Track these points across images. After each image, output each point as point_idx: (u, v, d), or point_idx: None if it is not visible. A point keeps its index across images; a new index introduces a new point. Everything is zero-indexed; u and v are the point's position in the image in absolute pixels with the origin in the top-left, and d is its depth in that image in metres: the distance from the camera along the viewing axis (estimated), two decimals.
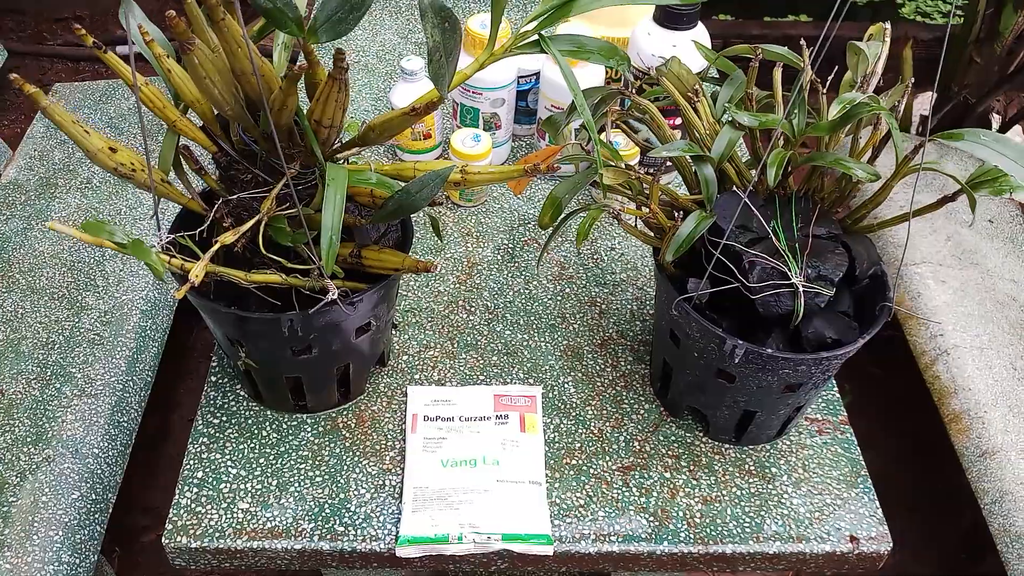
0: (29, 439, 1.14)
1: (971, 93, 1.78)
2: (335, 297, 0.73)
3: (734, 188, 0.81)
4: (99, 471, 1.15)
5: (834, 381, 0.94)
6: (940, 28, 2.57)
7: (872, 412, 1.80)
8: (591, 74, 1.09)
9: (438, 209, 1.12)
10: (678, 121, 1.06)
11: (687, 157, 0.78)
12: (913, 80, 0.78)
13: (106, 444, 1.17)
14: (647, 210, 0.78)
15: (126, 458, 1.22)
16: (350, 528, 0.79)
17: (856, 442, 0.89)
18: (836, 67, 0.82)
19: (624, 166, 0.79)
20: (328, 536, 0.79)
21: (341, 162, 0.80)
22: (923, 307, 1.40)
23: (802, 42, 0.76)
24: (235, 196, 0.75)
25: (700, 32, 1.03)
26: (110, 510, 1.17)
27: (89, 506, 1.12)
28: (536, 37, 0.72)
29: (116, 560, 1.51)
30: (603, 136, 0.82)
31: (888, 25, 0.79)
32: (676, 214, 0.77)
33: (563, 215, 0.81)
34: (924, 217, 1.54)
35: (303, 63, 0.62)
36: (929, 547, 1.59)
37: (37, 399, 1.19)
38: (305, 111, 0.70)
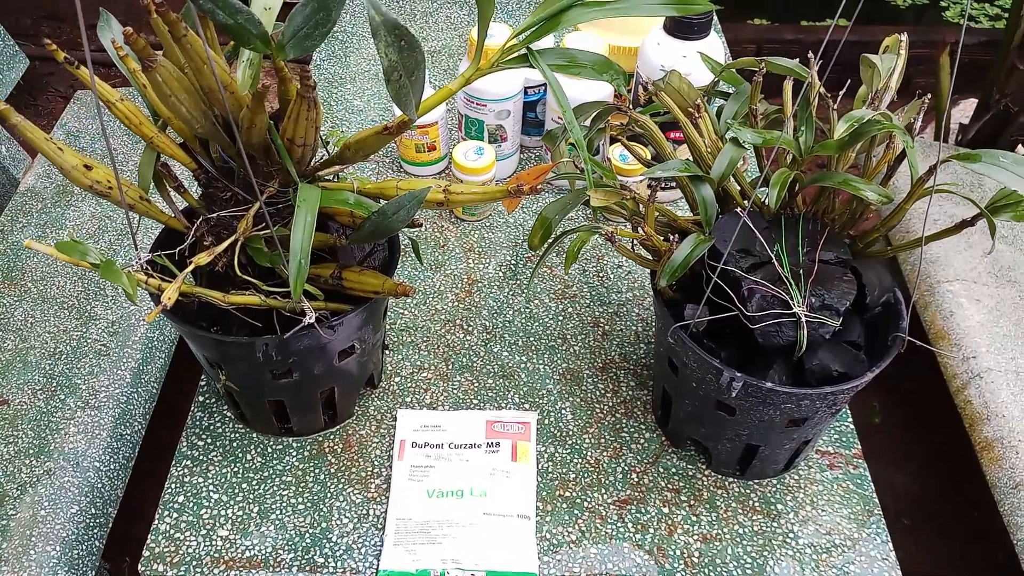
0: (31, 451, 1.14)
1: (1012, 101, 1.69)
2: (311, 321, 0.70)
3: (737, 209, 0.76)
4: (99, 485, 1.14)
5: (848, 410, 0.89)
6: (985, 32, 2.47)
7: (905, 431, 1.73)
8: (596, 86, 1.05)
9: (441, 223, 1.09)
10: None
11: (686, 177, 0.74)
12: (928, 97, 0.73)
13: (108, 457, 1.16)
14: (642, 232, 0.74)
15: (128, 471, 1.21)
16: (330, 560, 0.77)
17: (870, 477, 0.84)
18: (849, 80, 0.77)
19: (620, 185, 0.75)
20: (307, 567, 0.76)
21: (331, 179, 0.77)
22: (955, 327, 1.33)
23: (810, 54, 0.72)
24: (215, 215, 0.73)
25: (712, 42, 0.99)
26: (110, 525, 1.16)
27: (88, 520, 1.11)
28: (524, 51, 0.69)
29: (127, 569, 1.51)
30: (600, 153, 0.79)
31: (904, 36, 0.74)
32: (672, 237, 0.73)
33: (554, 236, 0.77)
34: (959, 233, 1.47)
35: (265, 82, 0.59)
36: None
37: (41, 410, 1.18)
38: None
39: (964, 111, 2.15)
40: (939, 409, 1.63)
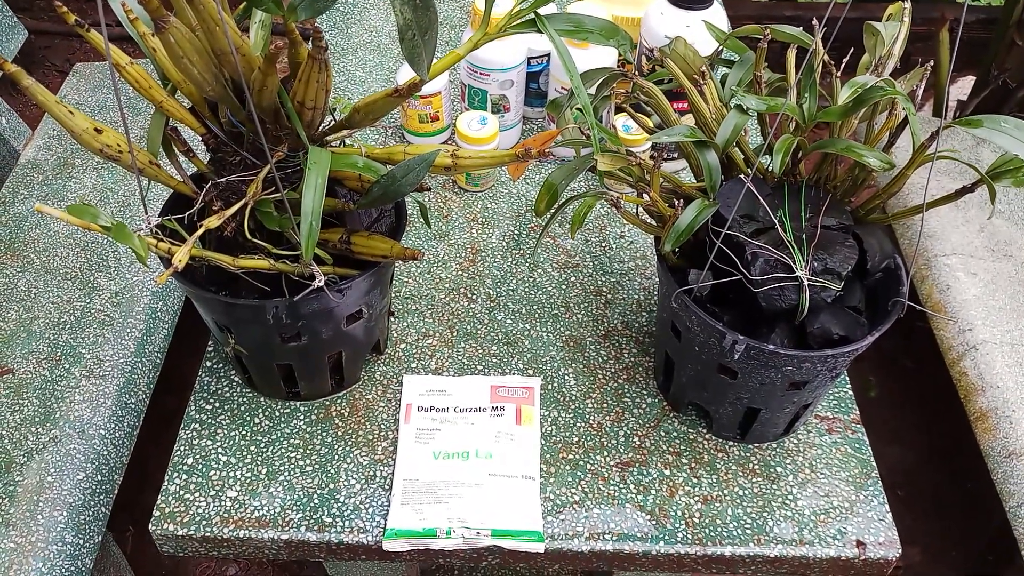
0: (37, 419, 1.15)
1: (1011, 77, 1.70)
2: (321, 284, 0.71)
3: (741, 176, 0.77)
4: (105, 452, 1.15)
5: (847, 377, 0.90)
6: (984, 9, 2.47)
7: (902, 406, 1.75)
8: (601, 55, 1.05)
9: (445, 193, 1.10)
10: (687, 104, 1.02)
11: (691, 143, 0.75)
12: (930, 65, 0.74)
13: (113, 425, 1.17)
14: (647, 198, 0.74)
15: (133, 439, 1.22)
16: (338, 519, 0.78)
17: (868, 442, 0.86)
18: (852, 49, 0.78)
19: (625, 151, 0.76)
20: (315, 527, 0.77)
21: (337, 144, 0.78)
22: (952, 300, 1.34)
23: (814, 21, 0.72)
24: (224, 179, 0.74)
25: (716, 12, 0.99)
26: (116, 491, 1.17)
27: (94, 487, 1.12)
28: (532, 16, 0.69)
29: (130, 538, 1.53)
30: (605, 121, 0.79)
31: (907, 4, 0.74)
32: (677, 202, 0.74)
33: (560, 202, 0.78)
34: (956, 206, 1.48)
35: (279, 42, 0.59)
36: (956, 548, 1.55)
37: (46, 379, 1.19)
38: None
39: (962, 88, 2.16)
40: (934, 383, 1.66)
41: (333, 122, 0.75)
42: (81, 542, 1.08)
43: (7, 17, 1.59)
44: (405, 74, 1.11)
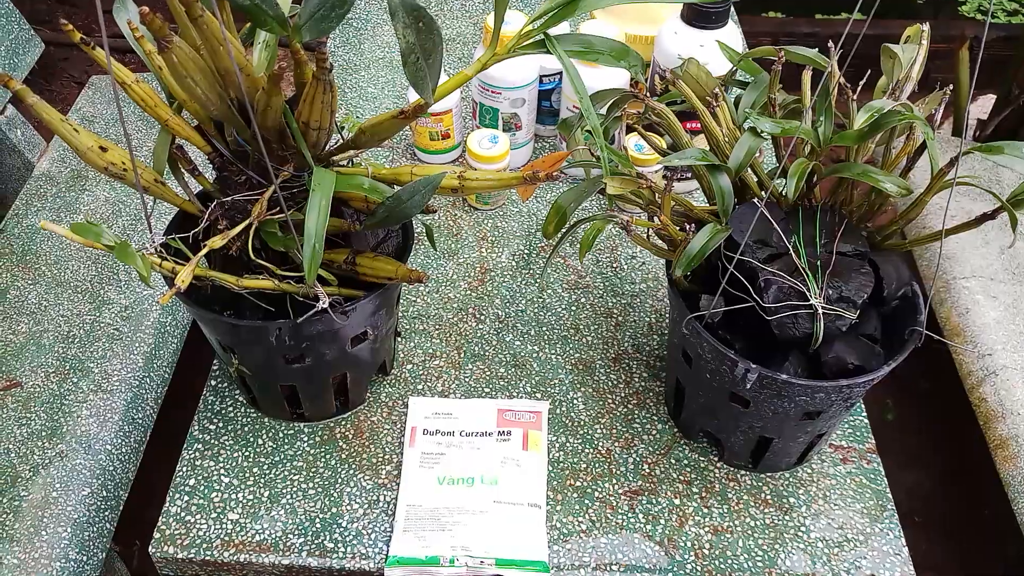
0: (44, 433, 1.14)
1: None
2: (325, 306, 0.70)
3: (754, 200, 0.75)
4: (111, 468, 1.15)
5: (862, 404, 0.88)
6: (1004, 27, 2.44)
7: (919, 430, 1.72)
8: (613, 75, 1.04)
9: (455, 212, 1.09)
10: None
11: (703, 166, 0.73)
12: (950, 88, 0.72)
13: (119, 441, 1.17)
14: (658, 221, 0.73)
15: (140, 455, 1.21)
16: (340, 545, 0.77)
17: (883, 472, 0.83)
18: (869, 71, 0.77)
19: (636, 174, 0.75)
20: (317, 552, 0.76)
21: (345, 163, 0.77)
22: (971, 324, 1.32)
23: (829, 44, 0.71)
24: (229, 198, 0.73)
25: (731, 31, 0.98)
26: (121, 507, 1.16)
27: (99, 503, 1.11)
28: (542, 36, 0.68)
29: (136, 553, 1.52)
30: (616, 142, 0.78)
31: (926, 26, 0.73)
32: (688, 226, 0.72)
33: (568, 225, 0.77)
34: (977, 228, 1.46)
35: (282, 64, 0.58)
36: (971, 575, 1.51)
37: (54, 393, 1.18)
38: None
39: (983, 107, 2.13)
40: (953, 407, 1.62)
41: (340, 141, 0.74)
42: (85, 559, 1.07)
43: (24, 30, 1.60)
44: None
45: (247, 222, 0.69)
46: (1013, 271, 1.38)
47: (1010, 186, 1.50)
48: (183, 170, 0.76)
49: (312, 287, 0.69)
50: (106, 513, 1.13)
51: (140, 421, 1.21)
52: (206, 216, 0.74)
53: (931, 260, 1.47)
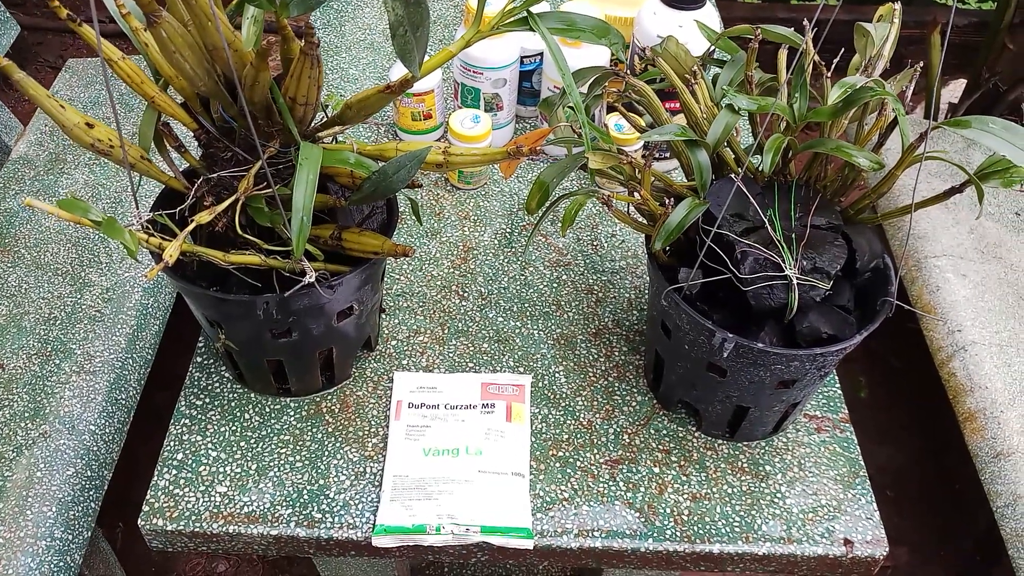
0: (27, 414, 1.14)
1: (1002, 80, 1.71)
2: (312, 280, 0.71)
3: (731, 175, 0.77)
4: (95, 448, 1.15)
5: (836, 376, 0.91)
6: (976, 13, 2.48)
7: (891, 406, 1.76)
8: (594, 54, 1.05)
9: (437, 191, 1.10)
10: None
11: (682, 142, 0.75)
12: (920, 66, 0.74)
13: (103, 421, 1.17)
14: (638, 196, 0.75)
15: (123, 435, 1.22)
16: (327, 515, 0.78)
17: (856, 441, 0.86)
18: (843, 49, 0.79)
19: (616, 150, 0.76)
20: (305, 523, 0.78)
21: (329, 140, 0.78)
22: (942, 301, 1.35)
23: (805, 22, 0.73)
24: (215, 175, 0.74)
25: (708, 12, 1.00)
26: (105, 487, 1.17)
27: (84, 483, 1.12)
28: (524, 14, 0.69)
29: (120, 535, 1.52)
30: (597, 120, 0.80)
31: (898, 6, 0.75)
32: (668, 201, 0.74)
33: (551, 200, 0.78)
34: (946, 208, 1.49)
35: (271, 38, 0.59)
36: (944, 548, 1.55)
37: (36, 374, 1.19)
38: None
39: (954, 91, 2.17)
40: (924, 385, 1.66)
41: (325, 118, 0.75)
42: (70, 537, 1.07)
43: None
44: (398, 72, 1.11)
45: (234, 197, 0.70)
46: (982, 250, 1.42)
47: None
48: (169, 147, 0.77)
49: (299, 261, 0.70)
50: (91, 492, 1.13)
51: (123, 402, 1.22)
52: (192, 192, 0.74)
53: (902, 240, 1.50)
